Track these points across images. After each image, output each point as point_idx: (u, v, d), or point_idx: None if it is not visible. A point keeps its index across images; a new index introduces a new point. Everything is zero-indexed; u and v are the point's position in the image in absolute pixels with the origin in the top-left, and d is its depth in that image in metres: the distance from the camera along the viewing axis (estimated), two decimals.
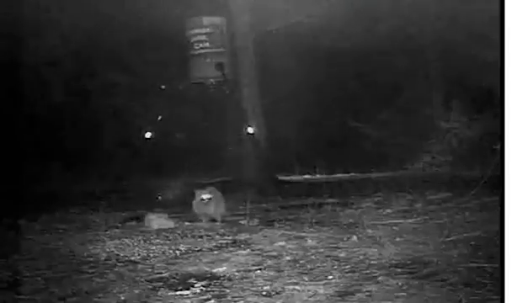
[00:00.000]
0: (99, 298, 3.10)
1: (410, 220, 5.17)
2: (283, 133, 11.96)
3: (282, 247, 4.28)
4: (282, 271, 3.53)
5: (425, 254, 3.79)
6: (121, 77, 11.57)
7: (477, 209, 5.43)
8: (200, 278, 3.44)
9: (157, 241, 4.75)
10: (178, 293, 3.14)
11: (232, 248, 4.34)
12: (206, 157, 11.62)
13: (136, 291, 3.20)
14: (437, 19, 11.85)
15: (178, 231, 5.19)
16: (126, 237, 4.91)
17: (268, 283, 3.26)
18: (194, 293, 3.13)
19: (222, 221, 5.61)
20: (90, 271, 3.73)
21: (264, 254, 4.05)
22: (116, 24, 10.24)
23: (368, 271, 3.43)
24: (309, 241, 4.44)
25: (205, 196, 5.56)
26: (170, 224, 5.50)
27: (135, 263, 3.94)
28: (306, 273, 3.44)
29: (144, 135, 12.86)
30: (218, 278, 3.43)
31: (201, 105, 11.99)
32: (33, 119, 10.32)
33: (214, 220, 5.62)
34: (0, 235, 5.23)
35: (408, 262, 3.61)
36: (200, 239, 4.80)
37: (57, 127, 11.09)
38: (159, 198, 6.09)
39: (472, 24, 9.93)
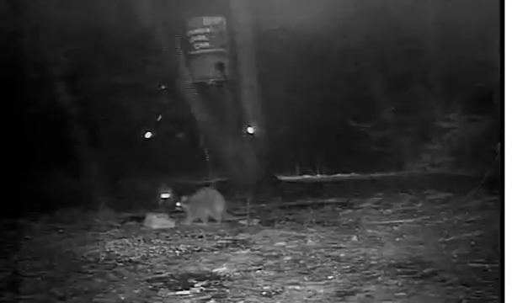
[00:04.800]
0: (99, 298, 3.11)
1: (410, 220, 5.17)
2: (283, 133, 11.94)
3: (282, 247, 4.29)
4: (282, 271, 3.53)
5: (425, 254, 3.79)
6: (121, 77, 11.56)
7: (477, 209, 5.43)
8: (200, 278, 3.44)
9: (157, 241, 4.75)
10: (178, 293, 3.15)
11: (232, 248, 4.34)
12: (206, 157, 11.60)
13: (136, 291, 3.20)
14: (437, 19, 11.85)
15: (178, 231, 5.19)
16: (126, 237, 4.91)
17: (268, 283, 3.26)
18: (194, 293, 3.14)
19: (222, 221, 5.61)
20: (90, 271, 3.73)
21: (264, 254, 4.06)
22: (116, 24, 10.23)
23: (368, 271, 3.43)
24: (309, 241, 4.44)
25: (178, 204, 5.61)
26: (170, 224, 5.50)
27: (135, 263, 3.94)
28: (306, 273, 3.44)
29: (144, 135, 12.85)
30: (218, 278, 3.44)
31: (201, 105, 11.97)
32: (33, 118, 10.30)
33: (213, 220, 5.62)
34: (0, 235, 5.23)
35: (408, 262, 3.61)
36: (200, 239, 4.80)
37: (57, 127, 11.07)
38: (161, 197, 6.06)
39: (472, 24, 9.92)
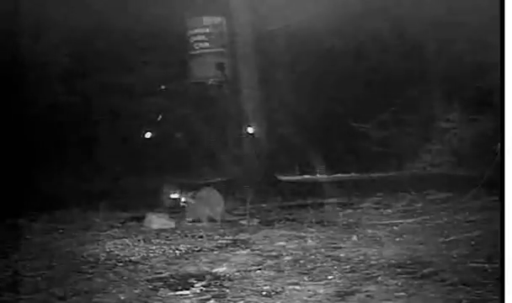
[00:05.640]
0: (99, 298, 3.11)
1: (410, 220, 5.17)
2: (283, 133, 11.95)
3: (282, 247, 4.29)
4: (282, 271, 3.53)
5: (425, 254, 3.79)
6: (121, 77, 11.56)
7: (477, 209, 5.43)
8: (200, 278, 3.44)
9: (157, 241, 4.75)
10: (178, 293, 3.15)
11: (232, 248, 4.34)
12: (206, 157, 11.62)
13: (136, 291, 3.20)
14: (437, 19, 11.86)
15: (178, 231, 5.19)
16: (126, 237, 4.91)
17: (268, 283, 3.26)
18: (194, 293, 3.14)
19: (222, 221, 5.61)
20: (90, 271, 3.73)
21: (264, 254, 4.06)
22: (116, 24, 10.23)
23: (368, 271, 3.43)
24: (309, 241, 4.44)
25: (183, 199, 5.61)
26: (170, 224, 5.49)
27: (135, 263, 3.94)
28: (306, 273, 3.44)
29: (144, 135, 12.86)
30: (218, 278, 3.44)
31: (201, 105, 11.98)
32: (33, 118, 10.31)
33: (213, 220, 5.62)
34: (0, 235, 5.22)
35: (408, 262, 3.61)
36: (200, 239, 4.80)
37: (57, 127, 11.09)
38: (170, 197, 5.97)
39: (472, 24, 9.93)
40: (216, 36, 9.85)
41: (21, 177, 8.78)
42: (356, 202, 6.50)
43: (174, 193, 5.79)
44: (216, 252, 4.21)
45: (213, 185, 6.73)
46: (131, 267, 3.81)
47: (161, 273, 3.62)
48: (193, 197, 5.63)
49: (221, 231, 5.14)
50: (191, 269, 3.69)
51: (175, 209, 5.92)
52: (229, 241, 4.62)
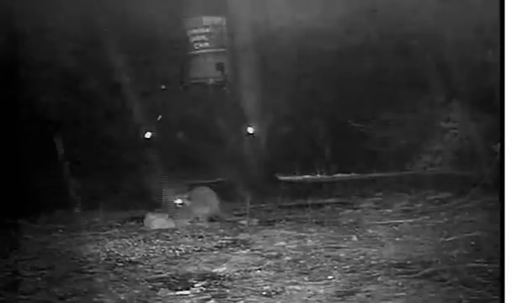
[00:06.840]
0: (99, 298, 3.11)
1: (410, 220, 5.16)
2: (283, 133, 11.94)
3: (282, 247, 4.29)
4: (282, 271, 3.53)
5: (425, 254, 3.79)
6: (121, 77, 11.56)
7: (477, 209, 5.42)
8: (200, 278, 3.44)
9: (157, 241, 4.75)
10: (178, 293, 3.15)
11: (232, 248, 4.34)
12: (206, 157, 11.60)
13: (136, 291, 3.20)
14: (437, 19, 11.85)
15: (178, 231, 5.19)
16: (126, 237, 4.91)
17: (268, 283, 3.26)
18: (194, 293, 3.14)
19: (220, 219, 5.60)
20: (90, 271, 3.73)
21: (264, 254, 4.06)
22: (116, 24, 10.23)
23: (368, 271, 3.43)
24: (309, 241, 4.44)
25: (178, 201, 5.60)
26: (170, 224, 5.49)
27: (135, 263, 3.94)
28: (306, 273, 3.44)
29: (144, 135, 12.84)
30: (218, 278, 3.43)
31: (201, 105, 11.97)
32: (32, 119, 10.31)
33: (211, 219, 5.62)
34: (0, 235, 5.22)
35: (408, 262, 3.61)
36: (200, 239, 4.80)
37: (57, 127, 11.08)
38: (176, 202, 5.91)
39: (472, 24, 9.92)
40: (216, 36, 9.85)
41: (21, 177, 8.77)
42: (356, 202, 6.50)
43: (181, 198, 5.71)
44: (216, 252, 4.21)
45: (213, 185, 6.72)
46: (131, 267, 3.81)
47: (161, 273, 3.62)
48: (188, 198, 5.63)
49: (221, 231, 5.14)
50: (191, 269, 3.69)
51: (176, 210, 5.91)
52: (229, 241, 4.62)
